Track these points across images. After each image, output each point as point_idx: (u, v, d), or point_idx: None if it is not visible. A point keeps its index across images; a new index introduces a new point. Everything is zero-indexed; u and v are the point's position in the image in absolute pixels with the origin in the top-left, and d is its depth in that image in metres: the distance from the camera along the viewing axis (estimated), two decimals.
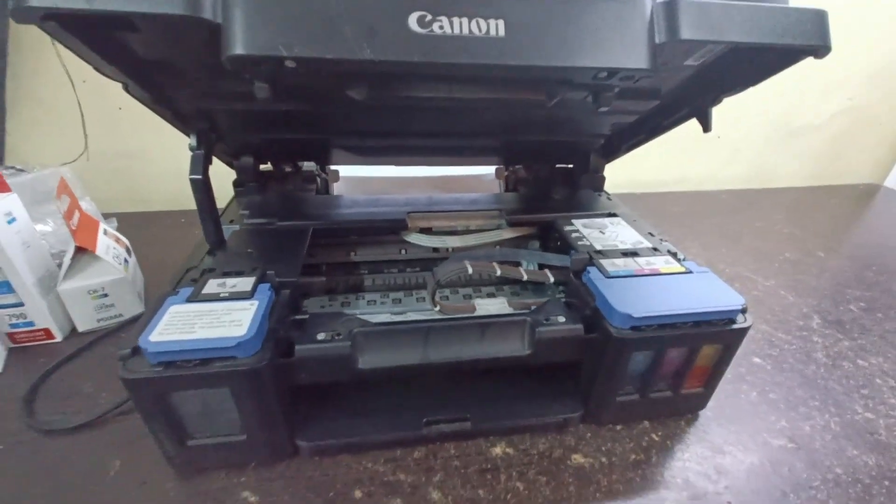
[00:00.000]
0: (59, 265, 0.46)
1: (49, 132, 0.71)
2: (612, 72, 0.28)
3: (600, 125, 0.48)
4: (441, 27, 0.25)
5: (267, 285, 0.33)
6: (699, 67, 0.35)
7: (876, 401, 0.42)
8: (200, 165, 0.36)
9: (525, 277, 0.39)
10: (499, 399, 0.38)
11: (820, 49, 0.30)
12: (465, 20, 0.25)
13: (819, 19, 0.30)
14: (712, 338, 0.34)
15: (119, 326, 0.48)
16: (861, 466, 0.35)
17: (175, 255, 0.42)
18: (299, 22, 0.23)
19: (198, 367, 0.28)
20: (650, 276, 0.36)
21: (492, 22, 0.26)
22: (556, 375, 0.39)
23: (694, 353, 0.35)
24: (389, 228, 0.47)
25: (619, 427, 0.38)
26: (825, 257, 0.69)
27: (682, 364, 0.35)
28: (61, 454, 0.34)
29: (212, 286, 0.33)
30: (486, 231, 0.48)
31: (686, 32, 0.28)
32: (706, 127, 0.40)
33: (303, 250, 0.40)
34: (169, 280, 0.35)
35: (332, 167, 0.57)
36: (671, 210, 0.85)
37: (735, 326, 0.34)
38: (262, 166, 0.52)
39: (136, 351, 0.28)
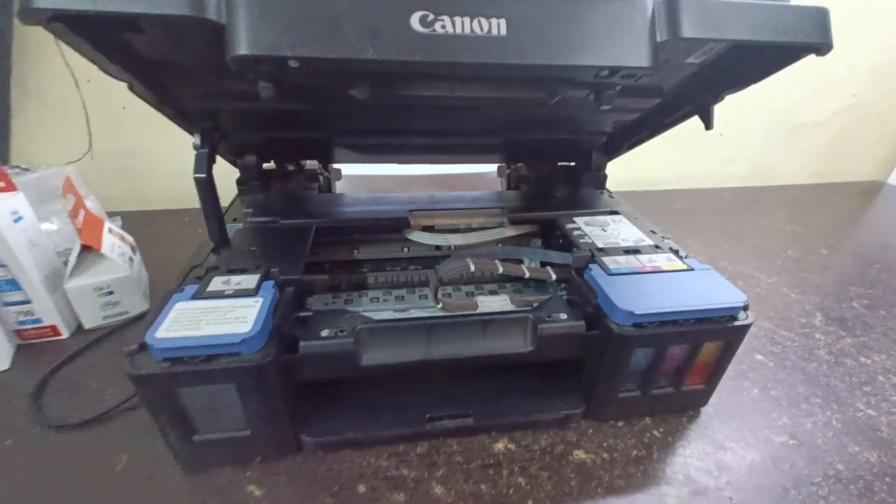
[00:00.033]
0: (65, 263, 0.46)
1: (54, 131, 0.72)
2: (614, 70, 0.28)
3: (602, 123, 0.48)
4: (443, 26, 0.25)
5: (271, 283, 0.34)
6: (701, 65, 0.35)
7: (878, 398, 0.42)
8: (204, 164, 0.36)
9: (527, 275, 0.40)
10: (501, 395, 0.38)
11: (822, 46, 0.30)
12: (466, 19, 0.26)
13: (820, 17, 0.30)
14: (714, 335, 0.34)
15: (124, 324, 0.48)
16: (863, 463, 0.35)
17: (179, 253, 0.43)
18: (302, 22, 0.23)
19: (203, 363, 0.28)
20: (652, 274, 0.36)
21: (493, 21, 0.26)
22: (558, 372, 0.39)
23: (695, 350, 0.35)
24: (392, 226, 0.47)
25: (620, 423, 0.38)
26: (828, 255, 0.69)
27: (683, 361, 0.36)
28: (69, 449, 0.35)
29: (217, 284, 0.33)
30: (488, 229, 0.49)
31: (687, 31, 0.28)
32: (708, 124, 0.40)
33: (306, 248, 0.40)
34: (173, 278, 0.35)
35: (335, 166, 0.57)
36: (673, 208, 0.85)
37: (737, 323, 0.34)
38: (265, 165, 0.53)
39: (143, 347, 0.29)
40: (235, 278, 0.34)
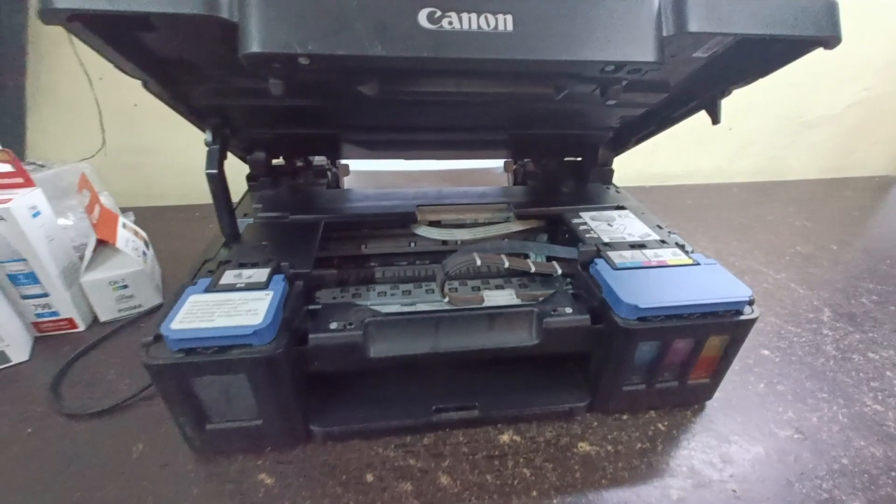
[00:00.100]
0: (81, 258, 0.47)
1: (68, 129, 0.73)
2: (620, 65, 0.28)
3: (609, 118, 0.48)
4: (450, 23, 0.26)
5: (281, 276, 0.34)
6: (708, 59, 0.35)
7: (886, 393, 0.42)
8: (216, 160, 0.37)
9: (533, 269, 0.40)
10: (507, 388, 0.39)
11: (830, 40, 0.30)
12: (473, 16, 0.26)
13: (829, 9, 0.30)
14: (719, 329, 0.34)
15: (138, 317, 0.49)
16: (868, 457, 0.35)
17: (190, 248, 0.44)
18: (312, 20, 0.24)
19: (216, 353, 0.29)
20: (657, 268, 0.37)
21: (500, 17, 0.26)
22: (564, 365, 0.40)
23: (700, 344, 0.35)
24: (399, 221, 0.48)
25: (625, 416, 0.38)
26: (838, 250, 0.68)
27: (688, 355, 0.36)
28: (86, 437, 0.36)
29: (228, 277, 0.34)
30: (494, 224, 0.49)
31: (694, 25, 0.28)
32: (715, 119, 0.40)
33: (315, 243, 0.41)
34: (185, 272, 0.36)
35: (343, 161, 0.58)
36: (681, 203, 0.84)
37: (742, 318, 0.34)
38: (274, 161, 0.53)
39: (158, 338, 0.30)
40: (247, 272, 0.35)
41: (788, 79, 0.90)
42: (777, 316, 0.52)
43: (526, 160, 0.60)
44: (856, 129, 1.02)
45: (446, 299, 0.38)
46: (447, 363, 0.38)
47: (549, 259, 0.41)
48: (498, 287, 0.45)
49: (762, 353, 0.46)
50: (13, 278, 0.43)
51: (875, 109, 0.99)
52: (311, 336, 0.32)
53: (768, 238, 0.71)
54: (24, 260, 0.42)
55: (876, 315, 0.53)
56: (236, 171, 0.47)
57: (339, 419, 0.36)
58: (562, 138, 0.53)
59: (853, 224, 0.78)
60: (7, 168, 0.42)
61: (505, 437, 0.37)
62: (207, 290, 0.32)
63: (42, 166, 0.59)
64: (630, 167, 0.82)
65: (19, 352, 0.43)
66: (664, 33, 0.28)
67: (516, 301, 0.41)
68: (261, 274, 0.34)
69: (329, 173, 0.56)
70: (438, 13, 0.26)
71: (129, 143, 0.76)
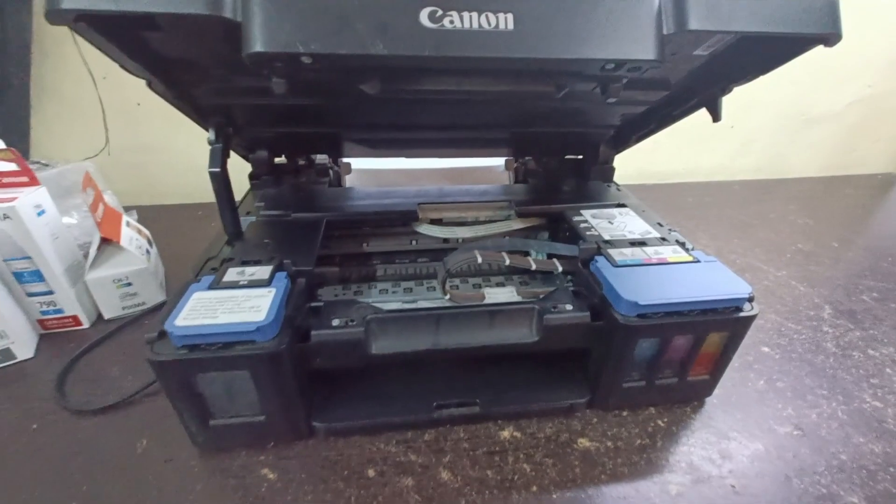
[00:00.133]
0: (85, 256, 0.48)
1: (71, 128, 0.74)
2: (620, 63, 0.29)
3: (610, 116, 0.49)
4: (451, 22, 0.26)
5: (283, 274, 0.35)
6: (709, 57, 0.35)
7: (885, 390, 0.42)
8: (219, 158, 0.37)
9: (534, 267, 0.40)
10: (507, 384, 0.39)
11: (830, 37, 0.30)
12: (474, 14, 0.26)
13: (830, 7, 0.30)
14: (718, 325, 0.34)
15: (142, 314, 0.50)
16: (867, 453, 0.36)
17: (193, 246, 0.44)
18: (315, 19, 0.24)
19: (220, 350, 0.29)
20: (658, 265, 0.37)
21: (501, 16, 0.26)
22: (564, 362, 0.40)
23: (700, 341, 0.35)
24: (401, 219, 0.48)
25: (625, 413, 0.39)
26: (839, 248, 0.68)
27: (688, 351, 0.36)
28: (91, 433, 0.36)
29: (231, 274, 0.34)
30: (495, 222, 0.49)
31: (694, 23, 0.28)
32: (716, 116, 0.40)
33: (317, 241, 0.41)
34: (188, 270, 0.37)
35: (345, 160, 0.58)
36: (682, 201, 0.84)
37: (741, 314, 0.34)
38: (276, 159, 0.54)
39: (163, 335, 0.30)
40: (249, 269, 0.35)
41: (790, 76, 0.90)
42: (777, 313, 0.52)
43: (527, 158, 0.60)
44: (857, 127, 1.02)
45: (447, 297, 0.38)
46: (448, 360, 0.38)
47: (550, 257, 0.42)
48: (499, 284, 0.46)
49: (762, 350, 0.46)
50: (18, 276, 0.43)
51: (877, 107, 0.99)
52: (313, 333, 0.33)
53: (769, 236, 0.71)
54: (29, 258, 0.42)
55: (876, 312, 0.53)
56: (239, 170, 0.47)
57: (341, 415, 0.36)
58: (563, 136, 0.53)
59: (854, 222, 0.78)
60: (12, 167, 0.42)
61: (505, 434, 0.37)
62: (211, 288, 0.33)
63: (46, 165, 0.60)
64: (631, 165, 0.82)
65: (24, 349, 0.44)
66: (664, 31, 0.28)
67: (517, 298, 0.41)
68: (263, 271, 0.35)
69: (331, 172, 0.57)
70: (440, 12, 0.26)
71: (132, 142, 0.77)
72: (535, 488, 0.33)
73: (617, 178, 0.57)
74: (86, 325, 0.48)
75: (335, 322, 0.33)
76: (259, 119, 0.44)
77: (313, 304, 0.35)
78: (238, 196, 0.43)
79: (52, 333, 0.47)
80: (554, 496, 0.32)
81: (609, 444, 0.36)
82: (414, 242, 0.49)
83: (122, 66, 0.29)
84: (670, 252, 0.39)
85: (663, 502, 0.32)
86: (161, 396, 0.39)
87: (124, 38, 0.26)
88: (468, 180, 0.59)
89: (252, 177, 0.53)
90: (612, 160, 0.56)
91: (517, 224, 0.49)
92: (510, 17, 0.26)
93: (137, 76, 0.31)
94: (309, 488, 0.32)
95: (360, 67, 0.30)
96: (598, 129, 0.52)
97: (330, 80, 0.34)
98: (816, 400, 0.41)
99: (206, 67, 0.33)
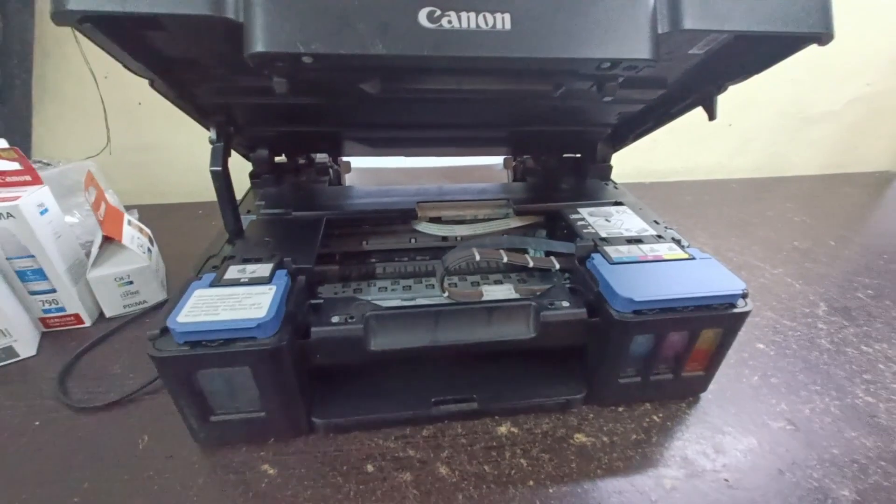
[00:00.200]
0: (87, 254, 0.48)
1: (73, 127, 0.74)
2: (615, 62, 0.29)
3: (607, 114, 0.49)
4: (450, 22, 0.26)
5: (284, 271, 0.35)
6: (704, 56, 0.36)
7: (878, 385, 0.42)
8: (220, 157, 0.38)
9: (531, 264, 0.41)
10: (505, 381, 0.39)
11: (823, 36, 0.30)
12: (472, 14, 0.27)
13: (822, 6, 0.30)
14: (712, 322, 0.35)
15: (143, 312, 0.50)
16: (858, 448, 0.36)
17: (193, 245, 0.44)
18: (316, 20, 0.24)
19: (221, 346, 0.30)
20: (653, 263, 0.37)
21: (498, 16, 0.27)
22: (561, 358, 0.40)
23: (694, 337, 0.36)
24: (400, 218, 0.48)
25: (621, 408, 0.39)
26: (836, 245, 0.69)
27: (683, 347, 0.36)
28: (93, 429, 0.37)
29: (232, 272, 0.35)
30: (493, 220, 0.50)
31: (689, 22, 0.29)
32: (711, 115, 0.41)
33: (317, 239, 0.41)
34: (189, 268, 0.37)
35: (345, 158, 0.58)
36: (681, 199, 0.85)
37: (735, 311, 0.34)
38: (276, 158, 0.54)
39: (165, 331, 0.30)
40: (250, 267, 0.35)
41: (789, 75, 0.90)
42: (773, 310, 0.53)
43: (525, 157, 0.60)
44: (857, 125, 1.02)
45: (446, 294, 0.38)
46: (446, 356, 0.39)
47: (548, 254, 0.42)
48: (497, 282, 0.46)
49: (757, 346, 0.47)
50: (21, 274, 0.43)
51: (876, 105, 0.99)
52: (313, 329, 0.33)
53: (767, 234, 0.72)
54: (32, 256, 0.43)
55: (870, 309, 0.53)
56: (239, 169, 0.48)
57: (341, 411, 0.37)
58: (560, 135, 0.54)
59: (852, 220, 0.79)
60: (15, 166, 0.43)
61: (503, 429, 0.37)
62: (212, 285, 0.33)
63: (48, 164, 0.60)
64: (630, 163, 0.82)
65: (27, 347, 0.44)
66: (659, 31, 0.29)
67: (514, 295, 0.42)
68: (264, 269, 0.35)
69: (331, 170, 0.57)
70: (438, 12, 0.26)
71: (133, 142, 0.77)
72: (531, 483, 0.33)
73: (615, 176, 0.57)
74: (87, 323, 0.48)
75: (335, 319, 0.34)
76: (260, 118, 0.44)
77: (313, 302, 0.36)
78: (239, 195, 0.44)
79: (54, 331, 0.47)
80: (550, 490, 0.33)
81: (605, 439, 0.37)
82: (413, 240, 0.49)
83: (125, 66, 0.30)
84: (666, 249, 0.39)
85: (658, 496, 0.32)
86: (162, 394, 0.39)
87: (128, 39, 0.27)
88: (467, 179, 0.60)
89: (253, 176, 0.53)
90: (610, 159, 0.57)
91: (515, 222, 0.49)
92: (507, 17, 0.27)
93: (140, 76, 0.31)
94: (308, 483, 0.33)
95: (360, 67, 0.30)
96: (596, 127, 0.52)
97: (330, 79, 0.34)
98: (810, 395, 0.41)
99: (209, 67, 0.33)
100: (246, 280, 0.34)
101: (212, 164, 0.37)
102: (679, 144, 0.96)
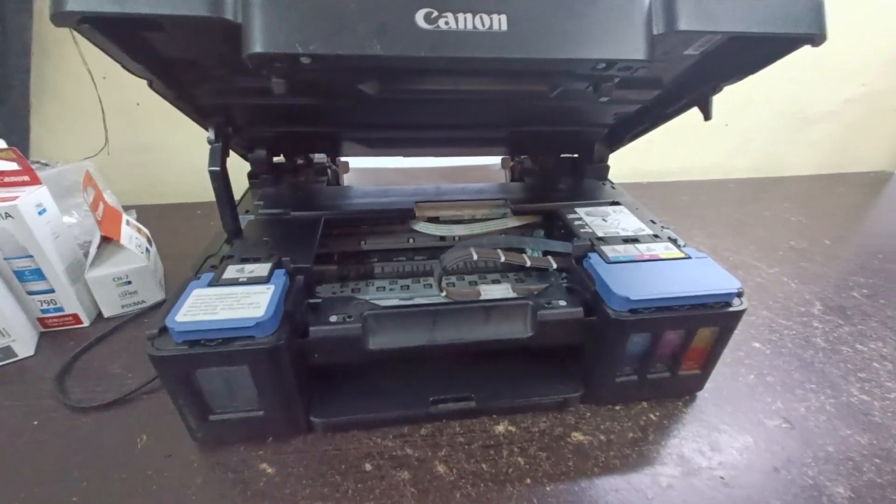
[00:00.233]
0: (86, 254, 0.48)
1: (71, 128, 0.74)
2: (611, 63, 0.29)
3: (603, 115, 0.49)
4: (447, 23, 0.27)
5: (282, 271, 0.35)
6: (699, 56, 0.36)
7: (872, 384, 0.43)
8: (218, 157, 0.38)
9: (528, 264, 0.41)
10: (502, 380, 0.39)
11: (816, 37, 0.31)
12: (469, 16, 0.27)
13: (815, 8, 0.30)
14: (708, 320, 0.35)
15: (142, 312, 0.50)
16: (853, 445, 0.36)
17: (192, 245, 0.44)
18: (314, 21, 0.25)
19: (220, 345, 0.30)
20: (650, 262, 0.37)
21: (495, 17, 0.27)
22: (558, 357, 0.41)
23: (690, 336, 0.36)
24: (398, 218, 0.49)
25: (618, 407, 0.39)
26: (831, 245, 0.69)
27: (679, 346, 0.37)
28: (92, 429, 0.37)
29: (231, 272, 0.35)
30: (491, 220, 0.50)
31: (683, 23, 0.29)
32: (707, 115, 0.41)
33: (315, 239, 0.42)
34: (187, 268, 0.37)
35: (343, 159, 0.59)
36: (678, 199, 0.85)
37: (731, 309, 0.35)
38: (275, 159, 0.54)
39: (163, 330, 0.30)
40: (249, 266, 0.36)
41: (787, 75, 0.91)
42: (769, 309, 0.53)
43: (523, 157, 0.61)
44: (854, 125, 1.02)
45: (444, 293, 0.39)
46: (444, 355, 0.39)
47: (546, 254, 0.42)
48: (494, 282, 0.46)
49: (753, 345, 0.47)
50: (19, 274, 0.43)
51: (873, 106, 1.00)
52: (311, 328, 0.33)
53: (763, 234, 0.72)
54: (31, 256, 0.43)
55: (865, 308, 0.53)
56: (238, 169, 0.48)
57: (339, 410, 0.37)
58: (558, 135, 0.54)
59: (848, 220, 0.79)
60: (13, 166, 0.43)
61: (500, 428, 0.37)
62: (210, 285, 0.33)
63: (46, 165, 0.60)
64: (627, 164, 0.83)
65: (25, 347, 0.44)
66: (654, 32, 0.29)
67: (512, 295, 0.42)
68: (262, 268, 0.35)
69: (329, 171, 0.57)
70: (435, 14, 0.26)
71: (131, 142, 0.77)
72: (528, 481, 0.33)
73: (613, 176, 0.58)
74: (86, 323, 0.48)
75: (333, 318, 0.34)
76: (259, 119, 0.44)
77: (312, 301, 0.36)
78: (237, 195, 0.44)
79: (52, 331, 0.47)
80: (547, 488, 0.33)
81: (602, 437, 0.37)
82: (411, 240, 0.49)
83: (124, 67, 0.30)
84: (662, 249, 0.39)
85: (654, 494, 0.33)
86: (160, 393, 0.39)
87: (127, 40, 0.27)
88: (465, 179, 0.60)
89: (251, 176, 0.53)
90: (607, 159, 0.57)
91: (513, 222, 0.49)
92: (504, 18, 0.27)
93: (139, 76, 0.31)
94: (307, 482, 0.33)
95: (358, 68, 0.30)
96: (593, 127, 0.53)
97: (329, 80, 0.35)
98: (805, 394, 0.41)
99: (207, 67, 0.33)
100: (244, 280, 0.34)
101: (210, 165, 0.37)
102: (676, 145, 0.96)
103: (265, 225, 0.44)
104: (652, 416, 0.39)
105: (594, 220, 0.45)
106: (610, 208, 0.48)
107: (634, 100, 0.45)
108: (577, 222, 0.44)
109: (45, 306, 0.46)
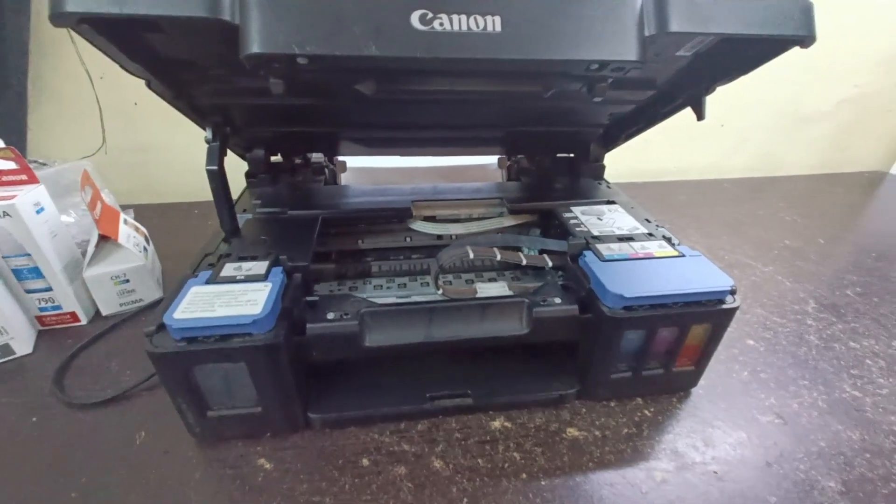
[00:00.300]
0: (83, 253, 0.48)
1: (69, 127, 0.74)
2: (603, 64, 0.30)
3: (598, 115, 0.50)
4: (441, 24, 0.27)
5: (280, 269, 0.35)
6: (692, 57, 0.36)
7: (864, 380, 0.43)
8: (216, 157, 0.38)
9: (524, 262, 0.41)
10: (499, 376, 0.40)
11: (806, 39, 0.31)
12: (463, 17, 0.27)
13: (805, 9, 0.31)
14: (701, 317, 0.35)
15: (139, 310, 0.50)
16: (845, 440, 0.37)
17: (189, 243, 0.45)
18: (311, 22, 0.25)
19: (217, 342, 0.30)
20: (644, 260, 0.38)
21: (489, 18, 0.27)
22: (554, 354, 0.41)
23: (684, 333, 0.36)
24: (395, 217, 0.49)
25: (613, 403, 0.40)
26: (825, 244, 0.70)
27: (673, 343, 0.37)
28: (91, 426, 0.37)
29: (228, 270, 0.35)
30: (488, 219, 0.50)
31: (675, 25, 0.29)
32: (700, 115, 0.41)
33: (313, 237, 0.42)
34: (185, 267, 0.37)
35: (340, 158, 0.59)
36: (674, 199, 0.86)
37: (724, 307, 0.35)
38: (272, 158, 0.54)
39: (161, 328, 0.31)
40: (246, 265, 0.36)
41: (781, 75, 0.91)
42: (763, 307, 0.53)
43: (519, 157, 0.61)
44: (848, 126, 1.03)
45: (440, 291, 0.39)
46: (441, 352, 0.39)
47: (541, 252, 0.43)
48: (491, 280, 0.47)
49: (748, 342, 0.48)
50: (18, 273, 0.44)
51: (867, 106, 1.01)
52: (308, 326, 0.33)
53: (759, 233, 0.73)
54: (29, 255, 0.43)
55: (858, 306, 0.54)
56: (235, 169, 0.48)
57: (337, 406, 0.37)
58: (554, 135, 0.54)
59: (842, 219, 0.80)
60: (11, 165, 0.43)
61: (496, 424, 0.38)
62: (208, 282, 0.34)
63: (44, 164, 0.60)
64: (624, 163, 0.83)
65: (23, 345, 0.44)
66: (646, 33, 0.29)
67: (508, 293, 0.42)
68: (260, 266, 0.35)
69: (326, 170, 0.58)
70: (430, 15, 0.27)
71: (129, 142, 0.77)
72: (524, 476, 0.34)
73: (610, 176, 0.58)
74: (84, 321, 0.48)
75: (330, 315, 0.34)
76: (256, 119, 0.45)
77: (309, 299, 0.36)
78: (235, 194, 0.44)
79: (50, 329, 0.48)
80: (543, 483, 0.33)
81: (597, 433, 0.37)
82: (408, 239, 0.50)
83: (122, 67, 0.30)
84: (656, 247, 0.40)
85: (649, 488, 0.33)
86: (159, 390, 0.40)
87: (125, 40, 0.27)
88: (462, 178, 0.60)
89: (249, 175, 0.53)
90: (603, 158, 0.57)
91: (509, 221, 0.50)
92: (497, 19, 0.27)
93: (137, 76, 0.32)
94: (304, 477, 0.33)
95: (355, 68, 0.31)
96: (588, 127, 0.53)
97: (326, 80, 0.35)
98: (798, 390, 0.42)
99: (205, 68, 0.34)
100: (242, 277, 0.34)
101: (208, 164, 0.38)
102: (673, 145, 0.97)
103: (263, 224, 0.44)
104: (646, 412, 0.39)
105: (589, 219, 0.45)
106: (605, 207, 0.48)
107: (629, 100, 0.46)
108: (572, 221, 0.45)
109: (43, 304, 0.46)
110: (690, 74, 0.40)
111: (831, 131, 1.04)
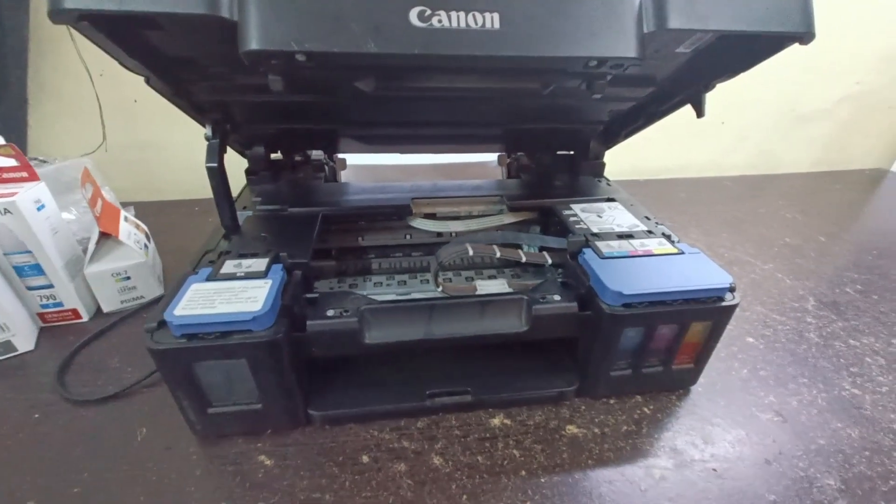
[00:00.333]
0: (84, 250, 0.48)
1: (69, 125, 0.74)
2: (602, 60, 0.30)
3: (598, 112, 0.50)
4: (440, 21, 0.27)
5: (280, 266, 0.36)
6: (692, 54, 0.36)
7: (864, 378, 0.43)
8: (216, 154, 0.38)
9: (524, 259, 0.41)
10: (498, 373, 0.40)
11: (805, 36, 0.31)
12: (462, 14, 0.27)
13: (803, 7, 0.31)
14: (701, 315, 0.35)
15: (140, 307, 0.50)
16: (844, 438, 0.37)
17: (189, 241, 0.45)
18: (309, 19, 0.25)
19: (218, 339, 0.30)
20: (643, 257, 0.38)
21: (487, 15, 0.27)
22: (553, 351, 0.41)
23: (683, 330, 0.36)
24: (395, 214, 0.49)
25: (612, 400, 0.40)
26: (826, 242, 0.69)
27: (672, 340, 0.37)
28: (92, 422, 0.37)
29: (229, 266, 0.35)
30: (487, 216, 0.50)
31: (674, 22, 0.29)
32: (699, 112, 0.41)
33: (313, 234, 0.42)
34: (186, 263, 0.37)
35: (340, 155, 0.59)
36: (674, 197, 0.86)
37: (723, 304, 0.35)
38: (272, 155, 0.54)
39: (162, 324, 0.31)
40: (246, 262, 0.36)
41: (782, 73, 0.91)
42: (763, 305, 0.53)
43: (519, 154, 0.61)
44: (848, 124, 1.03)
45: (440, 288, 0.39)
46: (441, 350, 0.39)
47: (541, 249, 0.43)
48: (491, 277, 0.47)
49: (747, 340, 0.48)
50: (19, 270, 0.44)
51: (866, 103, 1.01)
52: (308, 323, 0.34)
53: (759, 230, 0.73)
54: (30, 252, 0.43)
55: (858, 304, 0.54)
56: (235, 166, 0.48)
57: (337, 403, 0.37)
58: (553, 132, 0.54)
59: (842, 216, 0.80)
60: (12, 162, 0.43)
61: (496, 421, 0.38)
62: (209, 279, 0.34)
63: (44, 162, 0.61)
64: (624, 161, 0.83)
65: (25, 341, 0.44)
66: (645, 30, 0.29)
67: (508, 290, 0.42)
68: (260, 263, 0.35)
69: (326, 167, 0.57)
70: (428, 12, 0.27)
71: (129, 139, 0.77)
72: (523, 473, 0.34)
73: (610, 173, 0.58)
74: (85, 318, 0.49)
75: (330, 312, 0.34)
76: (256, 116, 0.45)
77: (309, 296, 0.36)
78: (235, 192, 0.44)
79: (51, 326, 0.48)
80: (542, 480, 0.33)
81: (596, 430, 0.37)
82: (408, 236, 0.50)
83: (122, 64, 0.30)
84: (656, 244, 0.40)
85: (648, 485, 0.33)
86: (160, 387, 0.40)
87: (125, 37, 0.27)
88: (461, 175, 0.60)
89: (249, 172, 0.53)
90: (603, 156, 0.57)
91: (509, 218, 0.50)
92: (496, 16, 0.27)
93: (136, 73, 0.32)
94: (305, 474, 0.34)
95: (354, 65, 0.31)
96: (588, 124, 0.53)
97: (325, 77, 0.35)
98: (798, 388, 0.42)
99: (204, 65, 0.34)
100: (242, 274, 0.34)
101: (207, 161, 0.38)
102: (672, 142, 0.97)
103: (263, 221, 0.44)
104: (646, 409, 0.39)
105: (589, 216, 0.45)
106: (605, 205, 0.48)
107: (628, 97, 0.46)
108: (572, 218, 0.45)
109: (44, 301, 0.46)
110: (690, 71, 0.39)
111: (831, 129, 1.03)
